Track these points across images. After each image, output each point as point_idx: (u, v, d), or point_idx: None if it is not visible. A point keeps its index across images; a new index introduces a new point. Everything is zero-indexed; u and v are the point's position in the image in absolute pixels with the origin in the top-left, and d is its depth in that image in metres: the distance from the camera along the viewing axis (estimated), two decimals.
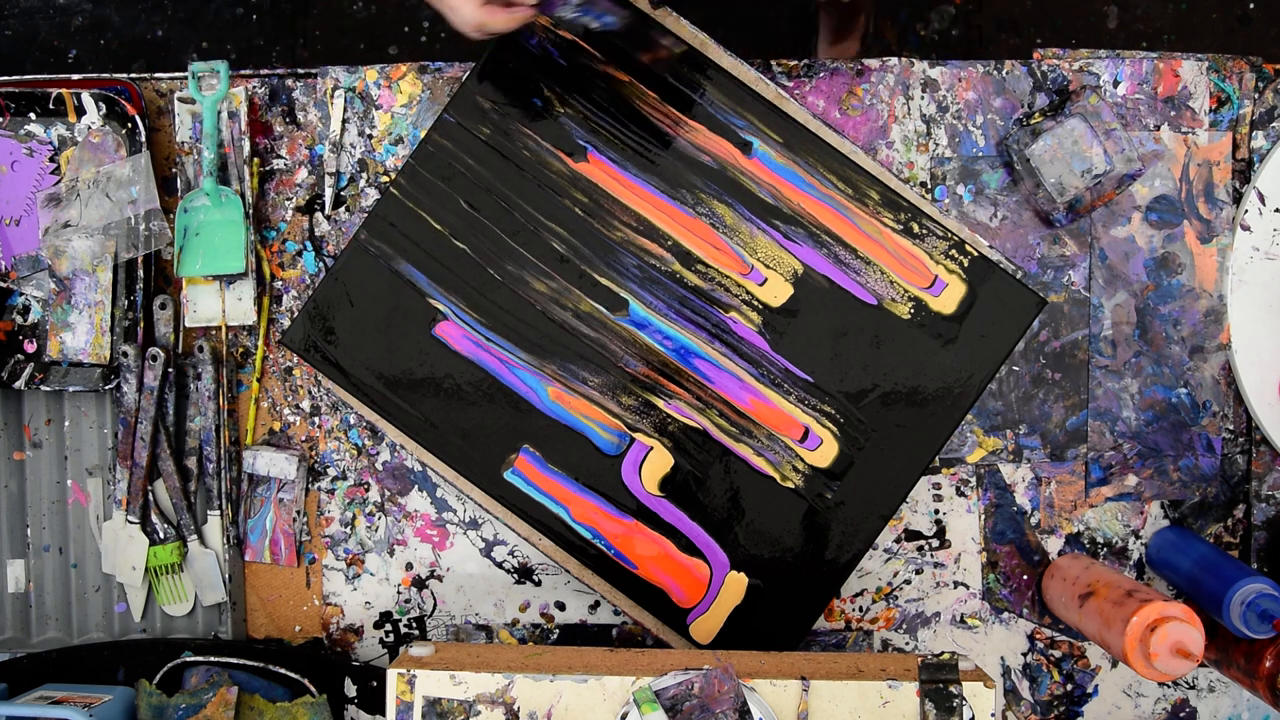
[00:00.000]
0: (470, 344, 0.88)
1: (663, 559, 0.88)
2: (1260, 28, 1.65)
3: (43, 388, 0.91)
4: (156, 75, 0.95)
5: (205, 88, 0.90)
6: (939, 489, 0.94)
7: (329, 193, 0.94)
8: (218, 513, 0.92)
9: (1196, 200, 0.93)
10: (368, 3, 1.67)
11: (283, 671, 0.89)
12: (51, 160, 0.92)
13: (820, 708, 0.76)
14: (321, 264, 0.94)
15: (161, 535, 0.92)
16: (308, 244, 0.94)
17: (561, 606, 0.94)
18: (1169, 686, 0.94)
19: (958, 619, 0.94)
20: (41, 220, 0.92)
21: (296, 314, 0.92)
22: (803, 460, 0.88)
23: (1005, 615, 0.94)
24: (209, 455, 0.92)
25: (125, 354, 0.90)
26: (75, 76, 0.93)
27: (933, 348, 0.88)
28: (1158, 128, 0.93)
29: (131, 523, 0.91)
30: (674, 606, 0.88)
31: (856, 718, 0.76)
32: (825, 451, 0.88)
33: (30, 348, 0.93)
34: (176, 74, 0.94)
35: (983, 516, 0.94)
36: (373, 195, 0.94)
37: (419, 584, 0.94)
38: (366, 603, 0.94)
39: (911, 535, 0.94)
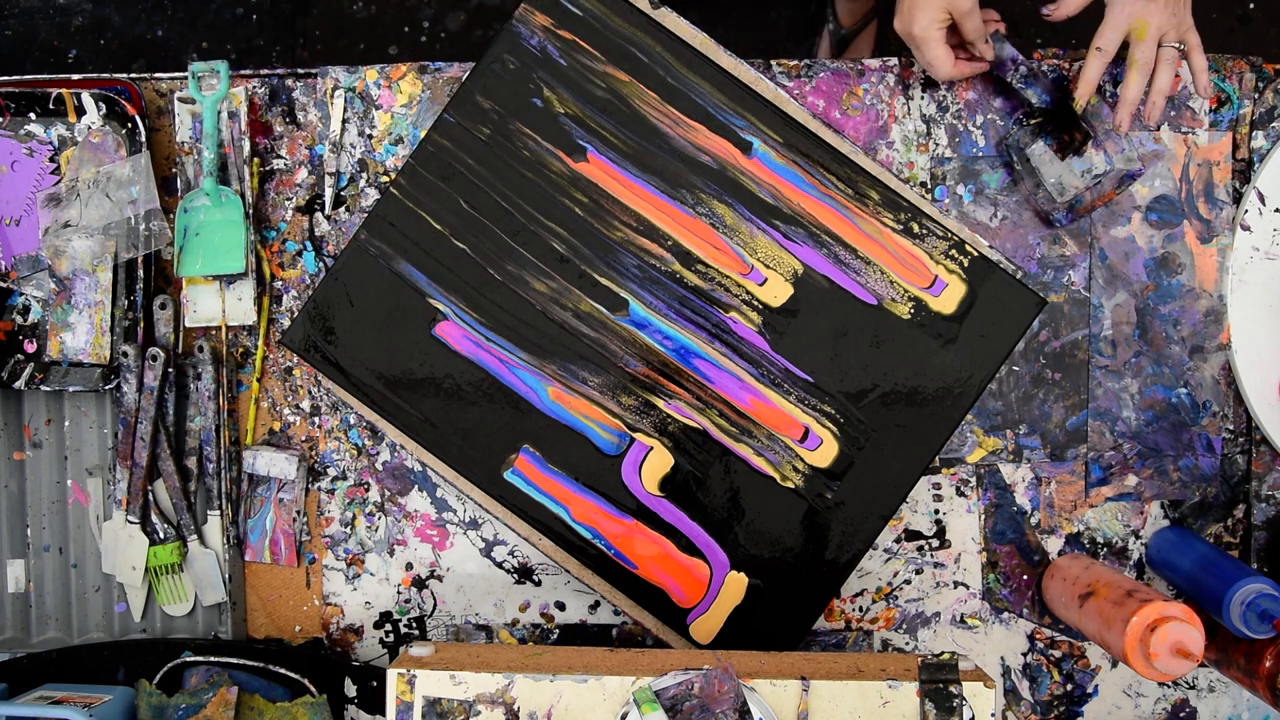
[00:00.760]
0: (470, 344, 0.88)
1: (663, 559, 0.88)
2: (1260, 28, 1.65)
3: (43, 388, 0.91)
4: (156, 75, 0.95)
5: (205, 88, 0.90)
6: (939, 489, 0.94)
7: (329, 193, 0.94)
8: (218, 513, 0.92)
9: (1196, 200, 0.93)
10: (368, 3, 1.67)
11: (283, 671, 0.89)
12: (51, 160, 0.92)
13: (820, 708, 0.76)
14: (321, 264, 0.94)
15: (161, 535, 0.92)
16: (308, 244, 0.94)
17: (561, 606, 0.94)
18: (1169, 686, 0.94)
19: (958, 619, 0.94)
20: (41, 220, 0.92)
21: (296, 314, 0.92)
22: (803, 460, 0.88)
23: (1005, 615, 0.94)
24: (209, 455, 0.92)
25: (125, 354, 0.90)
26: (75, 76, 0.93)
27: (933, 348, 0.88)
28: (1158, 128, 0.93)
29: (131, 523, 0.91)
30: (674, 606, 0.88)
31: (856, 718, 0.76)
32: (825, 451, 0.88)
33: (30, 348, 0.93)
34: (176, 74, 0.94)
35: (983, 516, 0.94)
36: (373, 195, 0.94)
37: (419, 584, 0.94)
38: (366, 603, 0.95)
39: (911, 535, 0.94)
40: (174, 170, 0.94)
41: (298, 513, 0.93)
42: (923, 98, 0.93)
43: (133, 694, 0.88)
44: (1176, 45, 0.86)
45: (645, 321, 0.88)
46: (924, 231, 0.88)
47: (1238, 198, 0.93)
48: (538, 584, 0.94)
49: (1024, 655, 0.94)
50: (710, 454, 0.88)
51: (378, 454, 0.94)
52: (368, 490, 0.94)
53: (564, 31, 0.88)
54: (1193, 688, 0.94)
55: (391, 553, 0.94)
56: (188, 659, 0.89)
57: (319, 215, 0.94)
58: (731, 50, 0.89)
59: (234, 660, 0.89)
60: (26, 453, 0.95)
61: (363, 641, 0.95)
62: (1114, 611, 0.81)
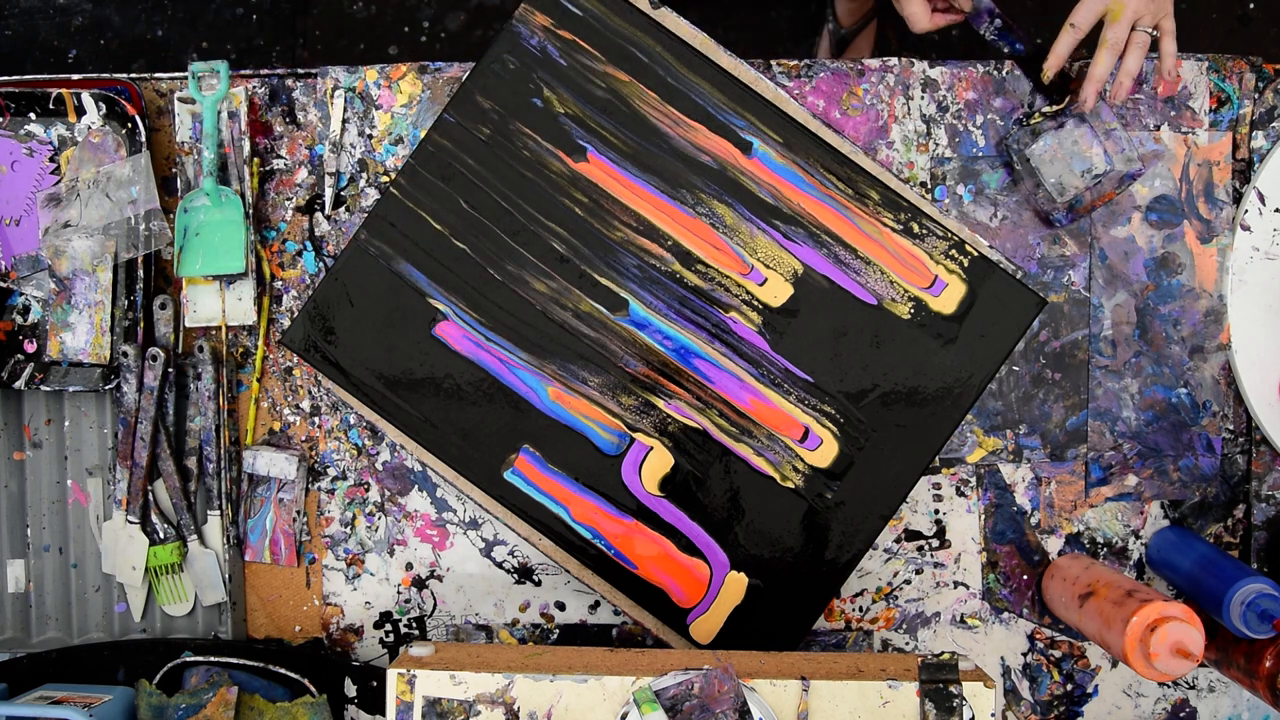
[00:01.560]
0: (470, 344, 0.88)
1: (663, 559, 0.88)
2: (1260, 28, 1.65)
3: (43, 388, 0.91)
4: (156, 75, 0.95)
5: (205, 88, 0.90)
6: (939, 489, 0.94)
7: (329, 193, 0.94)
8: (218, 513, 0.92)
9: (1196, 200, 0.93)
10: (368, 3, 1.67)
11: (283, 671, 0.89)
12: (51, 160, 0.92)
13: (820, 708, 0.76)
14: (321, 264, 0.94)
15: (161, 535, 0.92)
16: (308, 244, 0.94)
17: (561, 606, 0.94)
18: (1169, 686, 0.94)
19: (958, 619, 0.94)
20: (41, 220, 0.92)
21: (296, 314, 0.92)
22: (803, 460, 0.88)
23: (1005, 615, 0.94)
24: (209, 455, 0.92)
25: (125, 354, 0.90)
26: (75, 76, 0.93)
27: (933, 348, 0.88)
28: (1158, 128, 0.93)
29: (131, 523, 0.91)
30: (674, 606, 0.88)
31: (856, 718, 0.76)
32: (825, 451, 0.88)
33: (30, 348, 0.93)
34: (176, 74, 0.94)
35: (983, 516, 0.94)
36: (373, 195, 0.94)
37: (419, 584, 0.94)
38: (366, 603, 0.94)
39: (911, 535, 0.94)
40: (174, 170, 0.94)
41: (298, 513, 0.93)
42: (923, 98, 0.93)
43: (133, 694, 0.88)
44: (1150, 30, 0.87)
45: (645, 321, 0.88)
46: (924, 231, 0.88)
47: (1238, 198, 0.93)
48: (538, 584, 0.94)
49: (1024, 655, 0.94)
50: (710, 454, 0.88)
51: (378, 454, 0.94)
52: (368, 490, 0.94)
53: (564, 31, 0.88)
54: (1193, 688, 0.94)
55: (391, 553, 0.94)
56: (188, 659, 0.89)
57: (319, 215, 0.94)
58: (731, 50, 0.89)
59: (234, 660, 0.89)
60: (26, 453, 0.95)
61: (363, 641, 0.95)
62: (1114, 611, 0.81)
